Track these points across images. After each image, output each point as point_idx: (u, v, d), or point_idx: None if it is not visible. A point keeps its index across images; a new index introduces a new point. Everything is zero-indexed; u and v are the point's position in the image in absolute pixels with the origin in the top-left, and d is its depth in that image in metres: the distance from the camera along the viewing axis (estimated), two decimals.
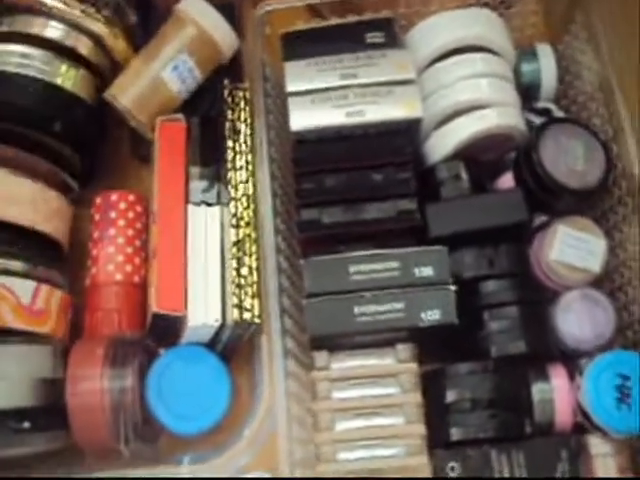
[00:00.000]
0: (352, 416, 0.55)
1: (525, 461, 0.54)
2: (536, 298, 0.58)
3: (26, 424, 0.55)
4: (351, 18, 0.65)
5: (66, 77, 0.64)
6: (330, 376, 0.55)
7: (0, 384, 0.55)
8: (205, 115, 0.62)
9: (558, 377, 0.56)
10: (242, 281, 0.54)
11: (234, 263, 0.55)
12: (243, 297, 0.54)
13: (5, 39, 0.64)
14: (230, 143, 0.59)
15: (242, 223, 0.56)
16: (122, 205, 0.65)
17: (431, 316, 0.53)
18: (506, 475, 0.53)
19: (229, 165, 0.58)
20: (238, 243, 0.55)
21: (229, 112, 0.60)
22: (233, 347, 0.59)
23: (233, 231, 0.56)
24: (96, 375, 0.57)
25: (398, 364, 0.55)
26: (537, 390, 0.56)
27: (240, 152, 0.58)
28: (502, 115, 0.60)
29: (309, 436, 0.54)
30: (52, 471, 0.56)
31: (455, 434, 0.54)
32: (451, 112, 0.61)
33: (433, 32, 0.63)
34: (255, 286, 0.55)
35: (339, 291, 0.54)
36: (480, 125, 0.60)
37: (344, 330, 0.54)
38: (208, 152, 0.61)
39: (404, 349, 0.55)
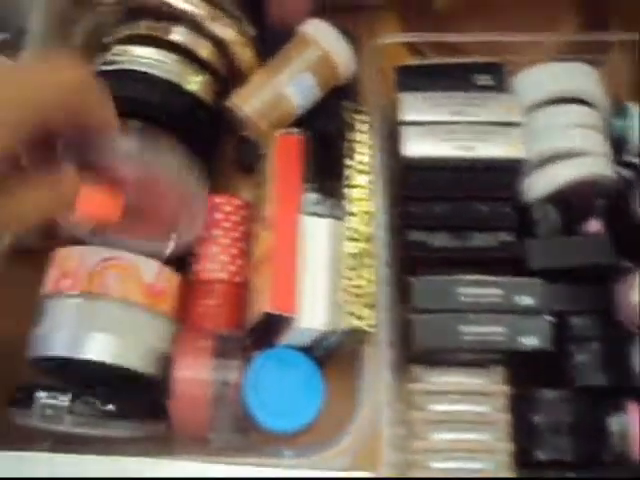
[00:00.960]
0: (445, 428, 0.58)
1: None
2: (618, 336, 0.62)
3: (111, 407, 0.57)
4: (459, 59, 0.70)
5: (192, 80, 0.67)
6: (427, 389, 0.59)
7: (123, 341, 0.58)
8: (321, 132, 0.66)
9: (633, 412, 0.60)
10: (358, 291, 0.58)
11: (351, 274, 0.58)
12: (358, 306, 0.57)
13: (137, 41, 0.67)
14: (349, 162, 0.62)
15: (359, 237, 0.60)
16: (227, 208, 0.68)
17: (529, 342, 0.57)
18: None
19: (348, 182, 0.62)
20: (355, 256, 0.59)
21: (348, 132, 0.64)
22: (331, 354, 0.62)
23: (351, 244, 0.59)
24: (203, 365, 0.59)
25: (492, 384, 0.59)
26: (614, 422, 0.60)
27: (358, 171, 0.62)
28: (595, 164, 0.65)
29: (402, 444, 0.57)
30: (140, 455, 0.59)
31: (540, 455, 0.58)
32: (548, 157, 0.66)
33: (538, 81, 0.68)
34: (370, 297, 0.58)
35: (446, 309, 0.58)
36: (575, 172, 0.65)
37: (449, 346, 0.57)
38: (322, 167, 0.65)
39: (498, 371, 0.59)
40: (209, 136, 0.70)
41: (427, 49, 0.75)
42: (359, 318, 0.57)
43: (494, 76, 0.67)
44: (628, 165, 0.68)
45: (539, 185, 0.66)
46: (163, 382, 0.60)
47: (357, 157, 0.63)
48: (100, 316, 0.59)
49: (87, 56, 0.70)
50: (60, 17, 0.73)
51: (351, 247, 0.59)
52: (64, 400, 0.55)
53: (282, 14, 0.73)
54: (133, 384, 0.60)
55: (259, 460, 0.57)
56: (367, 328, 0.57)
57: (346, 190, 0.61)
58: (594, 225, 0.66)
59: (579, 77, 0.68)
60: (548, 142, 0.65)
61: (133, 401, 0.58)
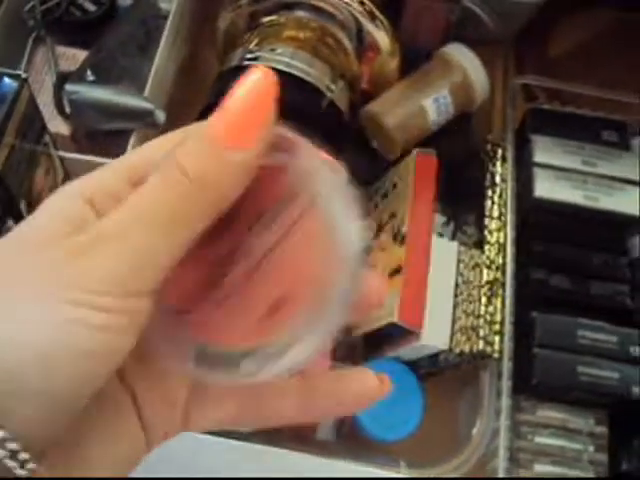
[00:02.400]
0: (548, 461, 0.61)
1: None
2: None
3: None
4: (586, 112, 0.73)
5: (330, 86, 0.68)
6: (534, 421, 0.61)
7: None
8: (454, 157, 0.68)
9: None
10: (489, 318, 0.60)
11: (484, 300, 0.60)
12: (488, 332, 0.60)
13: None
14: (489, 192, 0.65)
15: (493, 266, 0.62)
16: None
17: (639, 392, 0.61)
18: None
19: (486, 212, 0.64)
20: (489, 283, 0.61)
21: (490, 164, 0.66)
22: (436, 372, 0.64)
23: (486, 271, 0.61)
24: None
25: (594, 425, 0.62)
26: None
27: (495, 203, 0.65)
28: None
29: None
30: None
31: None
32: None
33: None
34: (498, 325, 0.60)
35: (567, 348, 0.61)
36: None
37: (567, 384, 0.60)
38: (451, 191, 0.67)
39: (601, 412, 0.62)
40: (337, 144, 0.71)
41: (542, 94, 0.78)
42: (489, 344, 0.59)
43: (619, 133, 0.71)
44: None
45: None
46: None
47: (497, 190, 0.65)
48: None
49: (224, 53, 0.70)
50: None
51: (486, 274, 0.61)
52: None
53: (416, 31, 0.75)
54: None
55: (370, 468, 0.57)
56: (496, 354, 0.59)
57: (486, 220, 0.63)
58: None
59: None
60: None
61: None
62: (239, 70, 0.67)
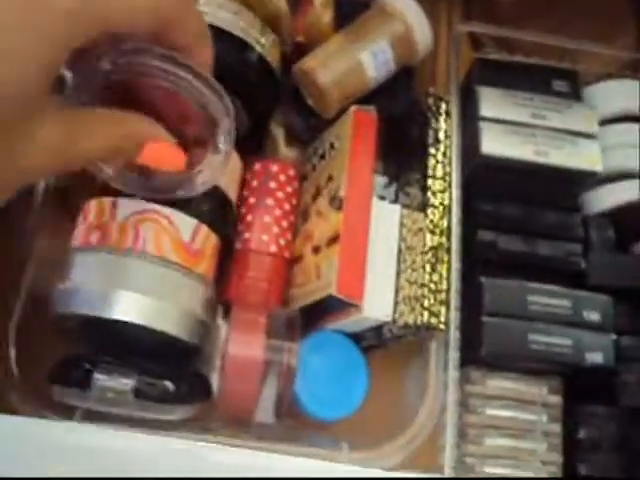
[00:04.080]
0: (499, 434, 0.57)
1: None
2: None
3: (171, 390, 0.53)
4: (536, 60, 0.68)
5: (259, 40, 0.62)
6: (484, 392, 0.58)
7: (155, 301, 0.52)
8: (395, 113, 0.63)
9: None
10: (433, 287, 0.56)
11: (428, 267, 0.56)
12: (433, 302, 0.55)
13: None
14: (432, 151, 0.60)
15: (437, 231, 0.57)
16: (282, 177, 0.64)
17: (594, 358, 0.57)
18: None
19: (429, 172, 0.59)
20: (433, 249, 0.57)
21: (432, 120, 0.61)
22: (381, 345, 0.60)
23: (429, 236, 0.57)
24: (259, 343, 0.56)
25: (548, 394, 0.58)
26: None
27: (440, 162, 0.60)
28: None
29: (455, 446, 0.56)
30: (178, 429, 0.55)
31: (583, 470, 0.58)
32: (612, 174, 0.65)
33: (609, 95, 0.67)
34: (443, 294, 0.56)
35: (517, 316, 0.57)
36: (636, 194, 0.65)
37: (517, 353, 0.57)
38: (391, 150, 0.62)
39: (555, 381, 0.59)
40: (269, 102, 0.65)
41: (490, 43, 0.73)
42: (434, 315, 0.55)
43: (570, 83, 0.66)
44: None
45: (601, 200, 0.66)
46: (203, 352, 0.56)
47: (440, 147, 0.60)
48: (131, 273, 0.53)
49: None
50: None
51: (429, 240, 0.57)
52: (127, 383, 0.50)
53: None
54: (168, 354, 0.55)
55: (309, 450, 0.53)
56: (441, 326, 0.55)
57: (429, 180, 0.59)
58: None
59: None
60: (615, 160, 0.65)
61: (191, 381, 0.53)
62: None
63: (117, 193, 0.54)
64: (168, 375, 0.53)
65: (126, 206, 0.54)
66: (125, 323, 0.51)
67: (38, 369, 0.53)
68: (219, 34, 0.60)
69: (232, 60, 0.61)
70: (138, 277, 0.53)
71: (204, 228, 0.56)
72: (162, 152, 0.45)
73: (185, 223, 0.55)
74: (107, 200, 0.55)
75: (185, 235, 0.55)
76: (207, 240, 0.57)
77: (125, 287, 0.52)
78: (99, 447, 0.50)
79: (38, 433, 0.50)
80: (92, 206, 0.56)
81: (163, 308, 0.53)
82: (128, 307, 0.52)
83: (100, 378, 0.51)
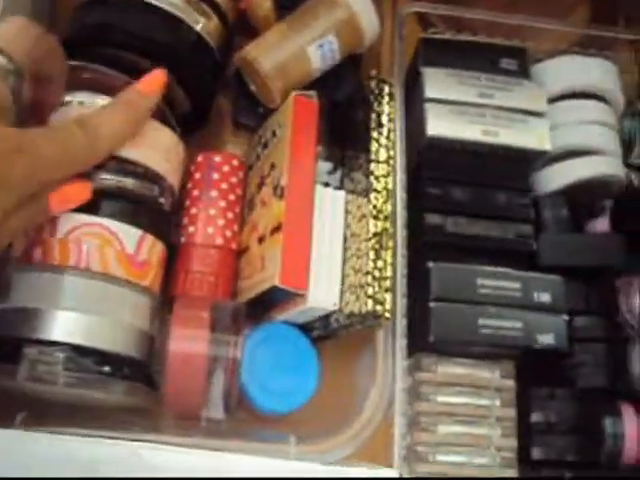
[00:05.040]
0: (452, 421, 0.56)
1: None
2: (620, 338, 0.62)
3: (107, 368, 0.52)
4: (482, 38, 0.67)
5: (199, 20, 0.61)
6: (435, 379, 0.57)
7: (96, 320, 0.51)
8: (340, 99, 0.61)
9: (628, 414, 0.61)
10: (377, 274, 0.55)
11: (372, 254, 0.55)
12: (377, 289, 0.54)
13: None
14: (375, 134, 0.59)
15: (381, 216, 0.56)
16: (225, 168, 0.63)
17: (545, 340, 0.56)
18: None
19: (372, 156, 0.58)
20: (377, 235, 0.55)
21: (375, 104, 0.60)
22: (330, 335, 0.59)
23: (373, 222, 0.56)
24: (202, 338, 0.55)
25: (500, 379, 0.57)
26: (609, 423, 0.60)
27: (383, 146, 0.59)
28: (610, 164, 0.65)
29: (406, 434, 0.55)
30: (126, 428, 0.53)
31: (536, 454, 0.57)
32: (563, 152, 0.64)
33: (558, 72, 0.66)
34: (388, 281, 0.55)
35: (466, 300, 0.56)
36: (589, 170, 0.64)
37: (467, 339, 0.55)
38: (335, 135, 0.61)
39: (507, 365, 0.58)
40: (208, 84, 0.64)
41: (439, 22, 0.72)
42: (379, 303, 0.54)
43: (518, 61, 0.65)
44: (637, 168, 0.68)
45: (552, 179, 0.64)
46: (149, 362, 0.55)
47: (383, 131, 0.59)
48: (72, 291, 0.51)
49: None
50: None
51: (372, 225, 0.55)
52: (58, 356, 0.49)
53: None
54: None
55: (258, 446, 0.52)
56: (387, 314, 0.54)
57: (372, 165, 0.57)
58: (601, 224, 0.65)
59: (599, 72, 0.67)
60: (566, 137, 0.64)
61: (128, 363, 0.52)
62: (97, 1, 0.60)
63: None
64: (99, 354, 0.51)
65: (66, 221, 0.53)
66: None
67: None
68: (156, 12, 0.59)
69: (167, 36, 0.59)
70: (79, 295, 0.51)
71: (149, 237, 0.55)
72: None
73: (129, 235, 0.54)
74: None
75: (130, 247, 0.53)
76: (153, 249, 0.55)
77: (66, 307, 0.51)
78: (42, 454, 0.49)
79: None
80: None
81: (105, 326, 0.52)
82: (68, 328, 0.50)
83: (30, 352, 0.49)
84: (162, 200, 0.55)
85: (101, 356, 0.51)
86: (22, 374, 0.48)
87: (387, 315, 0.54)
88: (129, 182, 0.54)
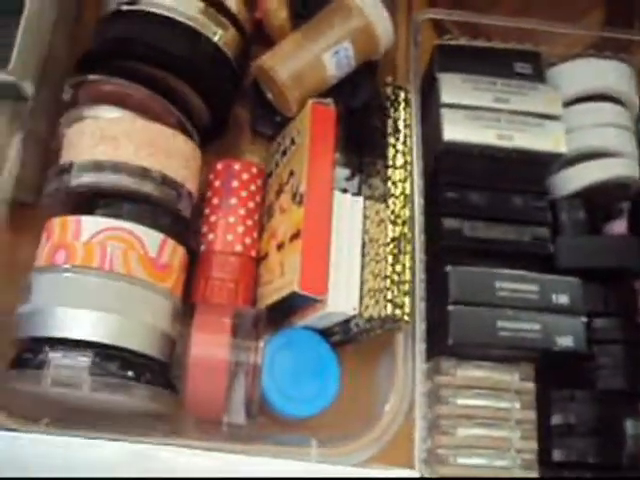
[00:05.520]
0: (472, 424, 0.57)
1: None
2: (638, 339, 0.62)
3: (130, 373, 0.52)
4: (497, 43, 0.67)
5: (216, 32, 0.62)
6: (455, 382, 0.57)
7: (118, 320, 0.52)
8: (356, 106, 0.62)
9: None
10: (396, 278, 0.55)
11: (390, 259, 0.56)
12: (396, 293, 0.55)
13: None
14: (392, 140, 0.59)
15: (399, 221, 0.57)
16: (245, 176, 0.64)
17: (564, 342, 0.56)
18: None
19: (389, 162, 0.59)
20: (395, 240, 0.56)
21: (391, 110, 0.60)
22: (351, 340, 0.59)
23: (391, 227, 0.56)
24: (223, 343, 0.55)
25: (520, 381, 0.58)
26: (630, 425, 0.60)
27: (399, 151, 0.59)
28: (626, 166, 0.65)
29: (427, 438, 0.56)
30: (148, 434, 0.54)
31: (557, 456, 0.57)
32: (579, 155, 0.65)
33: (574, 75, 0.66)
34: (407, 285, 0.55)
35: (484, 303, 0.56)
36: (606, 172, 0.64)
37: (486, 341, 0.56)
38: (353, 142, 0.61)
39: (527, 368, 0.58)
40: (226, 95, 0.65)
41: (454, 28, 0.72)
42: (399, 306, 0.54)
43: (533, 65, 0.66)
44: None
45: (569, 182, 0.65)
46: (171, 366, 0.56)
47: (400, 136, 0.59)
48: (97, 293, 0.53)
49: None
50: None
51: (391, 230, 0.56)
52: (84, 360, 0.50)
53: None
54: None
55: (279, 449, 0.53)
56: (406, 317, 0.54)
57: (389, 170, 0.58)
58: (619, 226, 0.65)
59: (614, 75, 0.67)
60: (582, 140, 0.64)
61: (152, 368, 0.53)
62: (118, 15, 0.61)
63: (81, 211, 0.55)
64: (123, 358, 0.52)
65: (91, 224, 0.54)
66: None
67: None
68: (174, 25, 0.60)
69: (186, 48, 0.60)
70: (103, 296, 0.53)
71: (170, 242, 0.56)
72: None
73: (151, 238, 0.55)
74: (71, 218, 0.55)
75: (152, 250, 0.55)
76: (174, 253, 0.57)
77: (89, 306, 0.52)
78: (67, 457, 0.50)
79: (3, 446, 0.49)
80: (56, 224, 0.55)
81: (128, 325, 0.53)
82: (91, 326, 0.52)
83: (55, 356, 0.50)
84: (181, 206, 0.56)
85: (124, 360, 0.52)
86: (47, 379, 0.49)
87: (406, 318, 0.55)
88: (148, 187, 0.55)
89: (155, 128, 0.58)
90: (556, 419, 0.58)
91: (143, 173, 0.56)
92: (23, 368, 0.51)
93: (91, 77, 0.60)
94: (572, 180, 0.65)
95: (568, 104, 0.66)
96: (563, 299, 0.57)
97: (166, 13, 0.61)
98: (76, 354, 0.51)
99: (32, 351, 0.52)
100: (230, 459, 0.51)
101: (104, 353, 0.51)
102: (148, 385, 0.53)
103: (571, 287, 0.58)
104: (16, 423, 0.51)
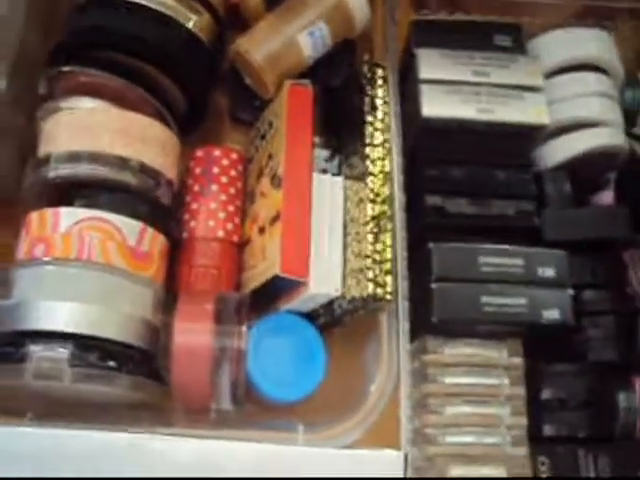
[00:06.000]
0: (460, 402, 0.56)
1: (610, 462, 0.57)
2: (630, 311, 0.61)
3: (112, 363, 0.52)
4: (477, 17, 0.66)
5: (190, 18, 0.61)
6: (442, 361, 0.57)
7: (98, 310, 0.52)
8: (335, 85, 0.61)
9: None
10: (377, 257, 0.54)
11: (370, 238, 0.55)
12: (377, 272, 0.54)
13: None
14: (370, 118, 0.58)
15: (378, 199, 0.56)
16: (225, 162, 0.63)
17: (551, 315, 0.56)
18: (592, 475, 0.56)
19: (367, 140, 0.58)
20: (375, 219, 0.55)
21: (368, 88, 0.60)
22: (336, 321, 0.59)
23: (370, 206, 0.56)
24: (206, 330, 0.55)
25: (508, 357, 0.57)
26: (623, 397, 0.59)
27: (378, 129, 0.58)
28: (612, 135, 0.64)
29: (414, 417, 0.55)
30: (136, 423, 0.54)
31: (547, 430, 0.57)
32: (564, 125, 0.64)
33: (555, 45, 0.66)
34: (388, 263, 0.55)
35: (468, 279, 0.56)
36: (592, 142, 0.63)
37: (470, 317, 0.55)
38: (332, 121, 0.61)
39: (514, 343, 0.57)
40: (203, 80, 0.64)
41: (433, 3, 0.71)
42: (380, 285, 0.54)
43: (513, 37, 0.65)
44: (637, 138, 0.67)
45: (554, 154, 0.64)
46: (155, 356, 0.55)
47: (378, 114, 0.59)
48: (77, 284, 0.52)
49: None
50: None
51: (370, 209, 0.55)
52: (63, 352, 0.49)
53: None
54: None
55: (266, 434, 0.53)
56: (388, 296, 0.53)
57: (367, 149, 0.57)
58: (606, 197, 0.65)
59: (597, 44, 0.66)
60: (566, 110, 0.63)
61: (134, 358, 0.53)
62: (90, 4, 0.60)
63: (60, 203, 0.54)
64: (104, 349, 0.52)
65: (69, 215, 0.54)
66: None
67: None
68: (147, 13, 0.59)
69: (159, 35, 0.60)
70: (82, 287, 0.52)
71: (150, 230, 0.56)
72: None
73: (130, 227, 0.55)
74: (49, 211, 0.55)
75: (131, 239, 0.54)
76: (154, 242, 0.56)
77: (68, 298, 0.52)
78: (54, 450, 0.50)
79: None
80: (34, 218, 0.55)
81: (108, 315, 0.52)
82: (72, 318, 0.51)
83: (36, 349, 0.50)
84: (159, 193, 0.56)
85: (105, 350, 0.52)
86: (28, 372, 0.49)
87: (388, 297, 0.54)
88: (126, 176, 0.55)
89: (131, 117, 0.57)
90: (546, 394, 0.58)
91: (120, 163, 0.56)
92: (4, 362, 0.51)
93: (65, 69, 0.59)
94: (557, 152, 0.64)
95: (550, 75, 0.65)
96: (549, 272, 0.57)
97: (138, 0, 0.60)
98: (56, 346, 0.50)
99: (13, 344, 0.51)
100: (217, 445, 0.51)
101: (84, 344, 0.51)
102: (130, 375, 0.53)
103: (557, 260, 0.57)
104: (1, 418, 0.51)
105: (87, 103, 0.60)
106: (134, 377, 0.53)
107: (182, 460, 0.51)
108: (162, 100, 0.61)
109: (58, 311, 0.51)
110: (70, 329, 0.51)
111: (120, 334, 0.53)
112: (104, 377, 0.51)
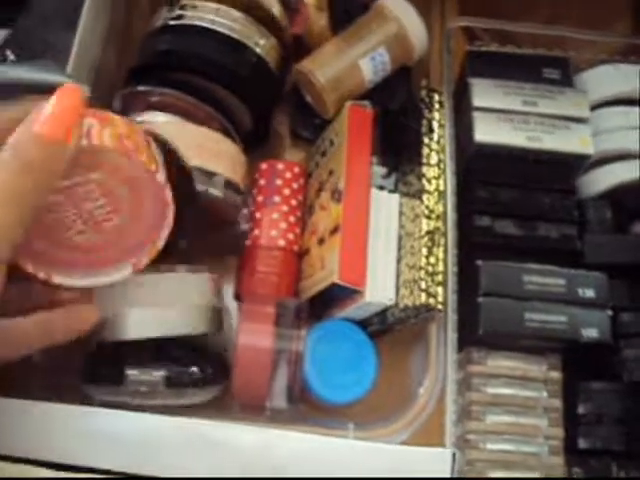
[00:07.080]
0: (501, 411, 0.60)
1: None
2: None
3: (193, 368, 0.56)
4: (526, 50, 0.70)
5: (258, 42, 0.66)
6: (486, 371, 0.60)
7: (168, 312, 0.56)
8: (392, 108, 0.66)
9: None
10: (430, 269, 0.58)
11: (424, 251, 0.59)
12: (430, 283, 0.58)
13: None
14: (426, 140, 0.63)
15: (433, 215, 0.60)
16: (288, 175, 0.68)
17: (589, 333, 0.59)
18: None
19: (424, 160, 0.62)
20: (429, 233, 0.59)
21: (426, 111, 0.64)
22: (387, 329, 0.63)
23: (425, 221, 0.60)
24: (268, 332, 0.59)
25: (547, 371, 0.60)
26: None
27: (434, 150, 0.63)
28: None
29: (458, 424, 0.59)
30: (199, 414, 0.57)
31: (582, 443, 0.60)
32: (607, 156, 0.67)
33: (602, 79, 0.69)
34: (440, 275, 0.59)
35: (513, 296, 0.59)
36: (631, 173, 0.67)
37: (514, 332, 0.59)
38: (389, 142, 0.65)
39: (554, 358, 0.61)
40: (269, 101, 0.69)
41: (485, 36, 0.76)
42: (432, 296, 0.57)
43: (561, 70, 0.68)
44: None
45: (595, 183, 0.67)
46: (219, 337, 0.60)
47: (434, 136, 0.63)
48: (141, 289, 0.56)
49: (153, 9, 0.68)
50: None
51: (425, 224, 0.59)
52: (157, 375, 0.54)
53: None
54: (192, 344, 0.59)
55: (318, 431, 0.56)
56: (439, 306, 0.57)
57: (423, 168, 0.61)
58: None
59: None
60: (608, 142, 0.67)
61: (213, 363, 0.57)
62: (165, 29, 0.65)
63: None
64: (193, 361, 0.57)
65: None
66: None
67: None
68: (218, 37, 0.64)
69: (230, 60, 0.64)
70: (148, 292, 0.56)
71: None
72: None
73: None
74: None
75: None
76: None
77: (138, 304, 0.55)
78: (118, 432, 0.54)
79: (59, 418, 0.53)
80: None
81: (179, 314, 0.57)
82: (144, 324, 0.55)
83: (132, 373, 0.54)
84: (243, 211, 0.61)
85: (193, 362, 0.56)
86: (126, 394, 0.53)
87: (439, 307, 0.58)
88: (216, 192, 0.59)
89: (204, 132, 0.62)
90: (582, 408, 0.61)
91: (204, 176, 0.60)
92: (99, 384, 0.55)
93: (141, 88, 0.64)
94: (599, 181, 0.67)
95: (595, 108, 0.69)
96: (589, 293, 0.60)
97: (210, 26, 0.65)
98: (150, 369, 0.54)
99: (105, 364, 0.55)
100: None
101: (175, 361, 0.55)
102: (213, 384, 0.58)
103: (597, 281, 0.61)
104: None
105: (160, 118, 0.64)
106: (216, 386, 0.58)
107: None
108: (229, 118, 0.66)
109: (129, 318, 0.54)
110: (141, 335, 0.54)
111: (195, 327, 0.57)
112: (192, 393, 0.56)
